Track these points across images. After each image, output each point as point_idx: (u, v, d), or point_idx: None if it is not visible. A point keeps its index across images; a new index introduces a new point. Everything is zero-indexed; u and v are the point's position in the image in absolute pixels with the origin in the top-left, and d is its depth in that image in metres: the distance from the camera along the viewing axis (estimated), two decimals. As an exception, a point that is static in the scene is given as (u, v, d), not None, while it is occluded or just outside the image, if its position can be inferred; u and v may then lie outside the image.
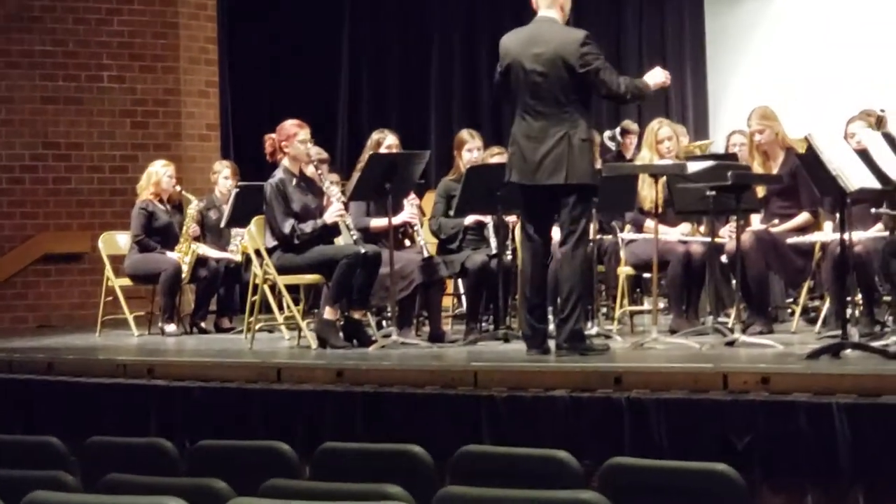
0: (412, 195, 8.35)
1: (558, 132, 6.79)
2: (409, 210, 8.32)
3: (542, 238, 7.04)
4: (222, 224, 9.62)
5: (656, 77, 7.07)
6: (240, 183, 9.72)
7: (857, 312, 7.59)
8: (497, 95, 7.44)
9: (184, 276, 9.53)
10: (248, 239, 8.38)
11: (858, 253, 7.32)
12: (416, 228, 8.38)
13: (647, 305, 9.37)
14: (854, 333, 6.79)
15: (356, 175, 8.17)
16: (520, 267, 8.54)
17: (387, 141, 8.40)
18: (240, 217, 9.04)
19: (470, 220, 8.39)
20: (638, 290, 9.65)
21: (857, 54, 11.79)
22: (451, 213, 8.31)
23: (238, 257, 9.75)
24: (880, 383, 5.49)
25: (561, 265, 6.96)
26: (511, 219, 8.37)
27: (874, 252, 7.17)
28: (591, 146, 6.96)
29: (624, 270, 8.52)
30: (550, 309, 7.56)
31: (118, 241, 10.03)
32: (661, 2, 13.17)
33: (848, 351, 6.42)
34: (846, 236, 6.64)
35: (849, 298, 7.09)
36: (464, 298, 9.02)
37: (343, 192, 8.31)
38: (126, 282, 9.69)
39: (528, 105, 6.89)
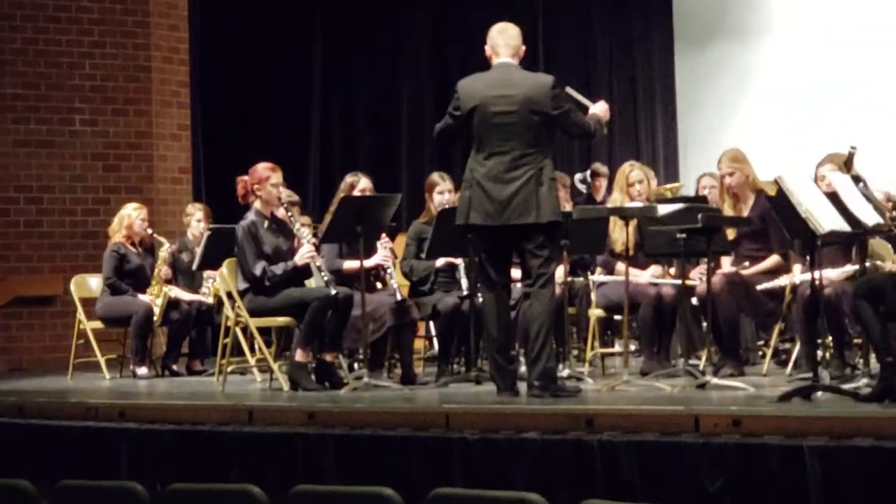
0: (385, 237, 8.36)
1: (527, 172, 6.88)
2: (382, 253, 8.33)
3: (504, 279, 7.10)
4: (194, 266, 9.61)
5: (604, 113, 7.26)
6: (212, 226, 9.72)
7: (827, 355, 7.63)
8: (445, 137, 7.46)
9: (155, 318, 9.51)
10: (220, 281, 8.37)
11: (828, 295, 7.36)
12: (388, 271, 8.38)
13: (618, 348, 9.40)
14: (825, 376, 6.82)
15: (328, 217, 8.19)
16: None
17: (360, 184, 8.42)
18: (212, 259, 9.03)
19: (441, 262, 8.41)
20: (609, 332, 9.67)
21: (826, 97, 11.91)
22: (423, 255, 8.33)
23: (210, 300, 9.73)
24: (851, 426, 5.51)
25: (531, 305, 6.99)
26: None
27: (844, 294, 7.21)
28: (555, 186, 7.08)
29: (595, 312, 8.54)
30: (523, 350, 7.57)
31: (90, 284, 10.00)
32: (632, 45, 13.28)
33: (819, 393, 6.44)
34: (817, 278, 6.69)
35: (819, 341, 7.13)
36: (435, 341, 9.01)
37: (315, 235, 8.31)
38: (98, 325, 9.65)
39: (494, 147, 6.97)
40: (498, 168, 6.95)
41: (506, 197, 6.91)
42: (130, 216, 9.76)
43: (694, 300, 8.27)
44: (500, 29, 7.18)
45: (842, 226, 6.59)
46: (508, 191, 6.90)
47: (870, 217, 6.66)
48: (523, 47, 7.19)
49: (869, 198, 6.88)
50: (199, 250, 9.49)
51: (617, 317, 8.77)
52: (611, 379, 7.87)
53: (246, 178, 8.04)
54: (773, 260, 7.99)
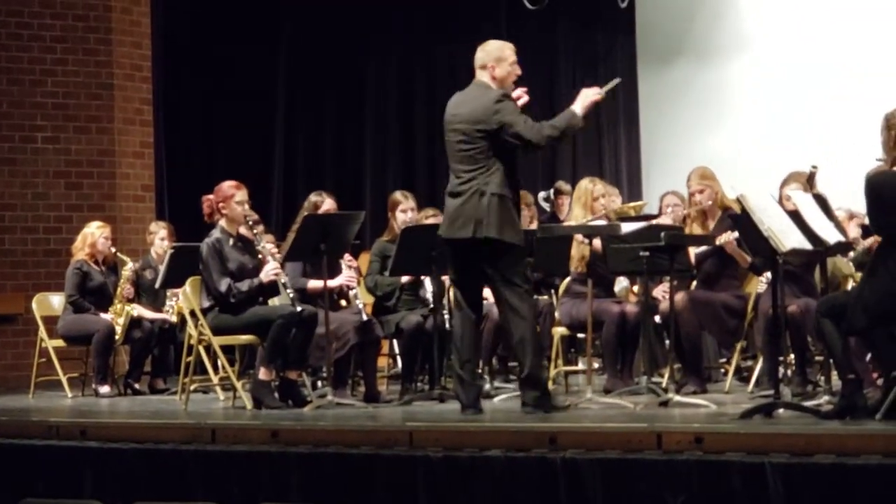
0: (349, 256, 8.36)
1: (470, 188, 6.92)
2: (347, 273, 8.33)
3: (470, 294, 7.09)
4: (157, 285, 9.57)
5: (586, 98, 7.07)
6: (175, 244, 9.70)
7: (789, 372, 7.68)
8: None
9: (117, 337, 9.47)
10: (183, 299, 8.34)
11: (792, 313, 7.41)
12: (353, 291, 8.39)
13: (581, 366, 9.42)
14: (786, 393, 6.86)
15: (291, 236, 8.18)
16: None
17: (325, 204, 8.43)
18: (175, 278, 8.99)
19: (405, 279, 8.42)
20: (573, 350, 9.70)
21: (789, 116, 11.98)
22: (386, 273, 8.33)
23: (173, 318, 9.70)
24: (813, 442, 5.54)
25: (504, 321, 7.00)
26: (446, 278, 8.40)
27: (808, 313, 7.26)
28: (504, 201, 6.92)
29: (558, 331, 8.56)
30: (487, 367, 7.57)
31: (52, 302, 9.95)
32: (595, 63, 13.34)
33: (780, 410, 6.48)
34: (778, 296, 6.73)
35: (781, 358, 7.17)
36: (399, 359, 9.01)
37: (278, 253, 8.30)
38: (60, 343, 9.61)
39: (451, 162, 7.09)
40: (452, 183, 7.05)
41: (452, 211, 6.99)
42: (94, 234, 9.72)
43: (657, 318, 8.30)
44: (479, 47, 7.19)
45: (803, 244, 6.64)
46: (455, 205, 6.98)
47: (831, 235, 6.71)
48: (494, 63, 7.08)
49: (830, 216, 6.94)
50: (162, 268, 9.45)
51: (580, 335, 8.79)
52: (574, 397, 7.89)
53: (211, 196, 8.02)
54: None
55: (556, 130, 6.99)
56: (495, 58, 7.11)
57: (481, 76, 7.12)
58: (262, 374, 7.75)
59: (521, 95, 7.20)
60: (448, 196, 7.09)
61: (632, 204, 10.37)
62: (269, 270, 7.86)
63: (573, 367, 9.48)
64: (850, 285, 7.77)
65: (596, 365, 8.96)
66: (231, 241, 7.93)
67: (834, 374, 6.84)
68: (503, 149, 6.97)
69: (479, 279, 7.11)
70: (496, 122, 6.92)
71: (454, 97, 7.21)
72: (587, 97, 7.07)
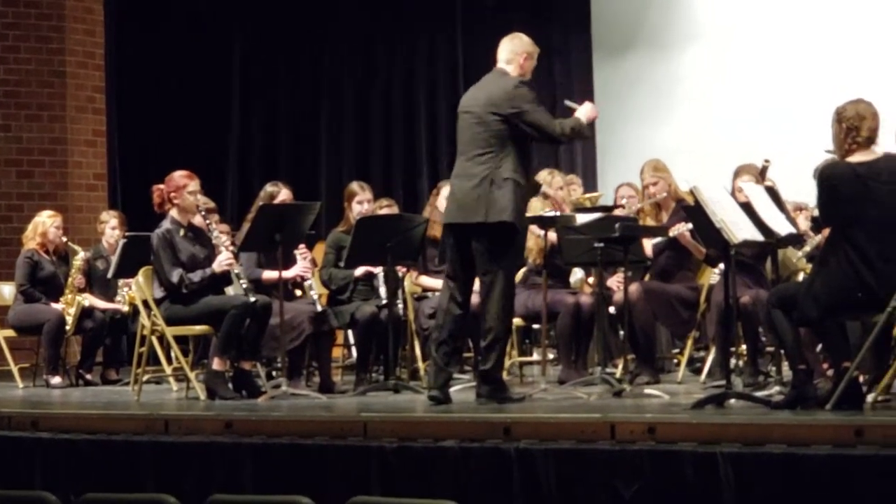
0: (303, 248, 8.34)
1: (482, 172, 6.87)
2: (302, 264, 8.31)
3: (461, 279, 7.04)
4: (109, 274, 9.52)
5: (587, 112, 7.14)
6: (127, 233, 9.64)
7: (741, 363, 7.74)
8: None
9: (68, 327, 9.42)
10: (136, 289, 8.29)
11: (745, 304, 7.47)
12: (308, 282, 8.37)
13: (536, 356, 9.45)
14: (738, 383, 6.91)
15: (246, 226, 8.15)
16: (411, 317, 8.59)
17: (280, 195, 8.42)
18: (127, 267, 8.94)
19: (360, 271, 8.41)
20: (527, 340, 9.72)
21: (742, 108, 12.04)
22: (342, 264, 8.32)
23: (125, 308, 9.65)
24: (764, 432, 5.58)
25: (484, 309, 6.97)
26: (401, 269, 8.41)
27: (760, 304, 7.31)
28: (518, 186, 6.88)
29: (514, 321, 8.56)
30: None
31: (2, 292, 9.91)
32: (550, 55, 13.35)
33: (732, 401, 6.53)
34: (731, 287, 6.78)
35: (733, 349, 7.21)
36: (354, 349, 9.01)
37: (233, 243, 8.27)
38: (10, 333, 9.54)
39: (461, 146, 7.05)
40: (461, 167, 7.01)
41: (461, 195, 6.95)
42: (45, 223, 9.65)
43: (611, 309, 8.34)
44: (506, 38, 7.20)
45: (755, 236, 6.69)
46: (465, 189, 6.93)
47: (782, 227, 6.76)
48: (527, 55, 7.11)
49: (782, 208, 7.00)
50: (114, 258, 9.40)
51: (535, 325, 8.82)
52: (529, 387, 7.91)
53: (162, 186, 7.98)
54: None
55: (571, 131, 7.04)
56: (527, 52, 7.14)
57: (504, 66, 7.10)
58: (216, 364, 7.72)
59: (595, 114, 7.18)
60: (456, 179, 7.03)
61: (588, 195, 10.40)
62: (222, 261, 7.83)
63: (528, 358, 9.51)
64: (800, 277, 7.83)
65: (551, 355, 8.99)
66: (182, 232, 7.89)
67: (785, 365, 6.89)
68: (517, 135, 6.93)
69: (473, 272, 7.03)
70: (511, 107, 6.90)
71: (473, 86, 7.19)
72: (590, 113, 7.13)
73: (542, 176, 8.65)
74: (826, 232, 6.44)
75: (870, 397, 6.20)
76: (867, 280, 6.03)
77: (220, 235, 8.07)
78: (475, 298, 7.11)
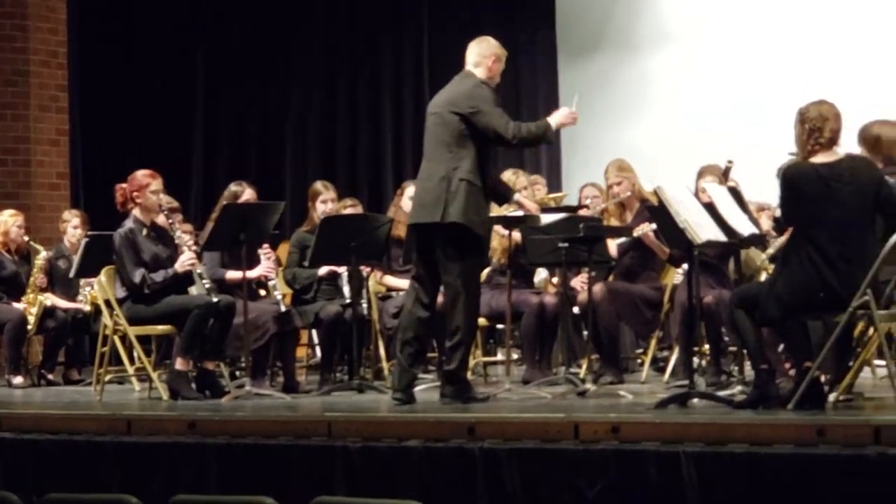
0: (267, 248, 8.32)
1: (440, 172, 6.88)
2: (266, 264, 8.30)
3: (427, 280, 7.02)
4: (72, 274, 9.47)
5: (560, 118, 7.12)
6: (90, 232, 9.59)
7: (704, 362, 7.77)
8: None
9: (30, 326, 9.37)
10: (98, 289, 8.26)
11: (708, 304, 7.50)
12: (272, 282, 8.36)
13: (500, 356, 9.46)
14: (701, 383, 6.93)
15: (210, 225, 8.13)
16: (375, 316, 8.59)
17: (244, 194, 8.40)
18: (90, 267, 8.90)
19: (324, 270, 8.40)
20: (492, 340, 9.73)
21: (707, 110, 12.09)
22: (306, 263, 8.31)
23: (87, 307, 9.60)
24: (726, 432, 5.60)
25: (448, 310, 6.95)
26: (365, 269, 8.41)
27: (723, 304, 7.34)
28: (472, 187, 6.86)
29: (478, 321, 8.57)
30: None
31: (-36, 291, 9.82)
32: (516, 55, 13.35)
33: (695, 400, 6.55)
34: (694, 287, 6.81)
35: (696, 349, 7.24)
36: (318, 349, 8.99)
37: (196, 243, 8.24)
38: (-29, 333, 9.48)
39: (425, 148, 7.06)
40: (423, 168, 7.03)
41: (421, 195, 6.95)
42: (7, 223, 9.60)
43: (575, 309, 8.35)
44: (474, 41, 7.19)
45: (718, 236, 6.72)
46: (424, 189, 6.94)
47: (745, 227, 6.80)
48: (495, 58, 7.10)
49: (744, 208, 7.03)
50: (76, 258, 9.35)
51: (500, 325, 8.83)
52: (493, 387, 7.92)
53: (124, 185, 7.94)
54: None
55: (529, 134, 7.00)
56: (495, 55, 7.13)
57: (472, 69, 7.09)
58: (179, 364, 7.70)
59: (573, 119, 7.15)
60: (419, 180, 7.05)
61: (552, 195, 10.42)
62: (185, 260, 7.81)
63: (492, 358, 9.52)
64: (763, 277, 7.88)
65: (515, 355, 9.00)
66: (144, 231, 7.85)
67: (747, 365, 6.93)
68: (476, 135, 6.92)
69: (438, 273, 6.98)
70: (469, 107, 6.89)
71: (442, 89, 7.17)
72: (565, 118, 7.10)
73: (507, 176, 8.64)
74: (789, 232, 6.48)
75: (831, 397, 6.24)
76: (829, 280, 6.07)
77: (183, 235, 8.04)
78: (441, 299, 7.10)
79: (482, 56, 7.12)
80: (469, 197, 6.84)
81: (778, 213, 6.86)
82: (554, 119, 7.11)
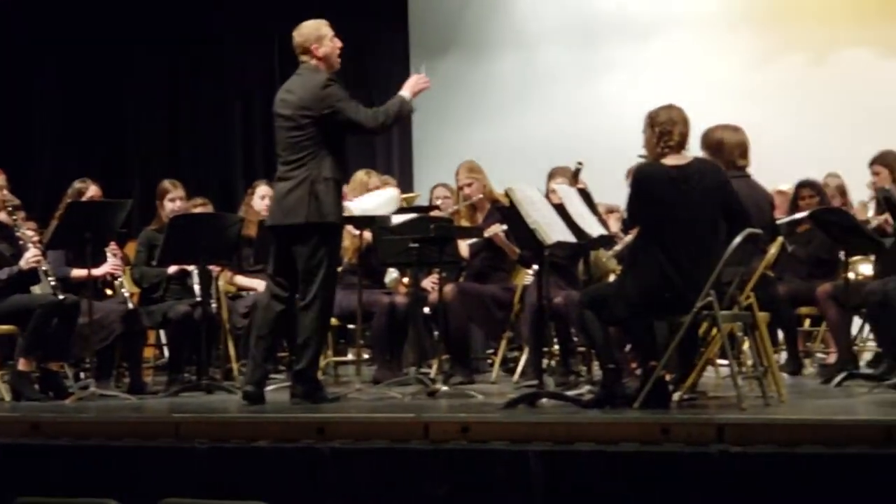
0: (113, 245, 8.20)
1: (301, 174, 6.82)
2: (112, 261, 8.18)
3: (284, 278, 6.96)
4: None
5: (412, 84, 7.13)
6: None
7: (553, 363, 7.86)
8: None
9: None
10: (-62, 288, 8.03)
11: (557, 305, 7.58)
12: (118, 280, 8.23)
13: (351, 356, 9.45)
14: (550, 383, 7.00)
15: (54, 223, 7.97)
16: (225, 316, 8.51)
17: (89, 192, 8.28)
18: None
19: (173, 269, 8.30)
20: (342, 340, 9.71)
21: (557, 112, 12.24)
22: (154, 262, 8.20)
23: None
24: (574, 431, 5.66)
25: (301, 311, 6.90)
26: (214, 268, 8.33)
27: (572, 304, 7.42)
28: (338, 186, 6.89)
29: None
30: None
31: None
32: (365, 55, 13.36)
33: (544, 400, 6.61)
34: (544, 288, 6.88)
35: (546, 349, 7.31)
36: (166, 349, 8.88)
37: (40, 241, 8.07)
38: None
39: (279, 149, 6.96)
40: (281, 170, 6.94)
41: (281, 197, 6.88)
42: None
43: (426, 309, 8.38)
44: (294, 31, 7.08)
45: (568, 237, 6.79)
46: (284, 191, 6.86)
47: (594, 228, 6.89)
48: (315, 43, 6.99)
49: (594, 210, 7.13)
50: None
51: (350, 325, 8.81)
52: (343, 387, 7.90)
53: (-34, 182, 7.76)
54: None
55: (389, 117, 7.00)
56: (315, 38, 7.02)
57: (306, 60, 7.01)
58: (22, 364, 7.54)
59: (425, 84, 7.14)
60: (278, 183, 6.95)
61: (404, 195, 10.44)
62: (30, 258, 7.65)
63: (343, 358, 9.50)
64: (612, 278, 7.99)
65: (366, 355, 8.99)
66: (-13, 229, 7.68)
67: (595, 365, 7.02)
68: (332, 134, 6.89)
69: (295, 272, 6.93)
70: (325, 108, 6.83)
71: (283, 86, 7.07)
72: (417, 84, 7.11)
73: (359, 177, 8.67)
74: (635, 232, 6.58)
75: (676, 396, 6.35)
76: (675, 281, 6.18)
77: (28, 232, 7.88)
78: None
79: (304, 46, 7.00)
80: (335, 196, 6.85)
81: (626, 214, 6.97)
82: (407, 90, 7.11)
